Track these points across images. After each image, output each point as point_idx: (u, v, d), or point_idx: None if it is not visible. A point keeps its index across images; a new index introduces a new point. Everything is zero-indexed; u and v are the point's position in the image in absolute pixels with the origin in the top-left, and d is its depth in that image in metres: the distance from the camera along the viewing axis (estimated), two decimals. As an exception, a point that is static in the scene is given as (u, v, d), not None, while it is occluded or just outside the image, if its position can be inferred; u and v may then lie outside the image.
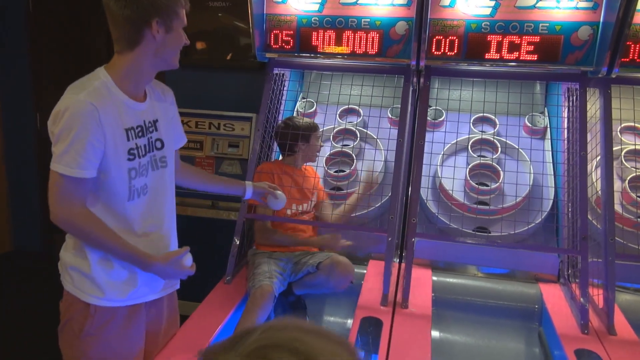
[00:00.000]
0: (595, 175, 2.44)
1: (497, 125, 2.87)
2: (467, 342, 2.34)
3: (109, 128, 1.46)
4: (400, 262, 2.53)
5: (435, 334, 2.29)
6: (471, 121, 2.91)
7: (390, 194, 2.78)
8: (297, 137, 2.53)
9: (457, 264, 2.63)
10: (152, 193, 1.63)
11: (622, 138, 2.68)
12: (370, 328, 2.04)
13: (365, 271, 2.49)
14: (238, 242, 2.41)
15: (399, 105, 3.02)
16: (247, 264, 2.46)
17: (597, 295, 2.20)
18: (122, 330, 1.62)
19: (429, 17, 2.33)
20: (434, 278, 2.46)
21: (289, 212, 2.50)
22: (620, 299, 2.32)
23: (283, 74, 2.84)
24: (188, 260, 1.65)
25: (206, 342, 1.88)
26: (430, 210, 2.66)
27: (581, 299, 2.12)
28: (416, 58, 2.38)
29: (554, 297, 2.36)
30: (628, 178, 2.53)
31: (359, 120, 3.03)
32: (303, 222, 2.53)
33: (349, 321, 2.39)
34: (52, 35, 4.47)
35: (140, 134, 1.57)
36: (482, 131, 2.89)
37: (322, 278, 2.23)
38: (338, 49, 2.52)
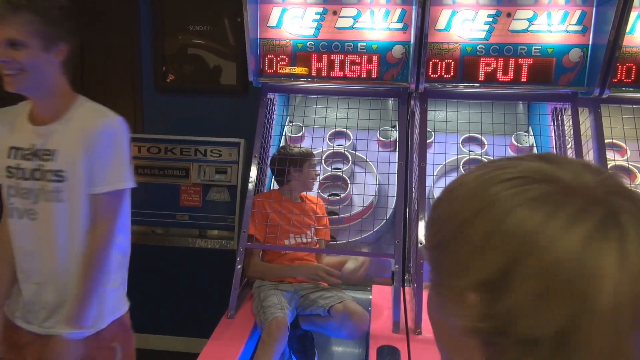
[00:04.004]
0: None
1: (486, 145, 2.91)
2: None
3: None
4: (403, 286, 2.50)
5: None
6: (460, 142, 2.94)
7: (386, 218, 2.77)
8: (290, 165, 2.48)
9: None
10: (41, 224, 1.51)
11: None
12: (388, 357, 1.99)
13: (370, 297, 2.44)
14: (241, 273, 2.30)
15: (388, 128, 3.05)
16: (251, 296, 2.36)
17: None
18: None
19: (427, 40, 2.35)
20: (440, 301, 2.44)
21: (287, 242, 2.43)
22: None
23: (273, 98, 2.79)
24: None
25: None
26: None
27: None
28: (415, 81, 2.38)
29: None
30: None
31: (348, 143, 3.01)
32: (303, 249, 2.46)
33: (358, 351, 2.33)
34: None
35: (29, 157, 1.50)
36: (470, 151, 2.93)
37: (334, 325, 2.13)
38: (334, 73, 2.50)
